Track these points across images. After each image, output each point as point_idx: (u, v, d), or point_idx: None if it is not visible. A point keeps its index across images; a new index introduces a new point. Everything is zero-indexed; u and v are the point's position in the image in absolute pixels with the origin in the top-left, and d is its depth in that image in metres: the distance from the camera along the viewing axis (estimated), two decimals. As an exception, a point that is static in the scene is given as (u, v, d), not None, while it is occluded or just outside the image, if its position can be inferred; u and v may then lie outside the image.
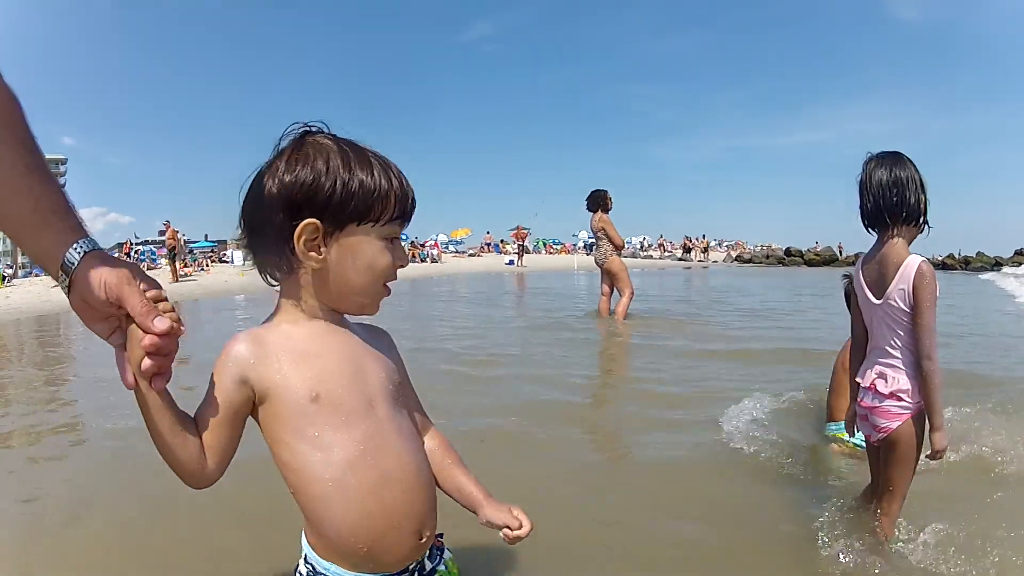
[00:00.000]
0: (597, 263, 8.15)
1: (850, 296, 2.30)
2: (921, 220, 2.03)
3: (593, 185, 8.18)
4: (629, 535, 2.25)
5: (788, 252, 43.14)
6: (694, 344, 6.35)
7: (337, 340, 1.13)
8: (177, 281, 17.43)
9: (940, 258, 41.49)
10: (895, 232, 2.02)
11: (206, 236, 41.22)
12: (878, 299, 2.04)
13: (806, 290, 14.79)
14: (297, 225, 1.05)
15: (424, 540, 1.13)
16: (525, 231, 35.19)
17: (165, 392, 1.00)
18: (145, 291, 0.96)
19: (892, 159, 2.05)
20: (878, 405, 2.04)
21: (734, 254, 44.51)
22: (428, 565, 1.19)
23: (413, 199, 1.13)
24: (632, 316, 7.92)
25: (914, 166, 2.04)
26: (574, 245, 42.15)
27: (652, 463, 3.04)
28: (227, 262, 30.44)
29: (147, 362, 0.94)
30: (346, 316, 1.18)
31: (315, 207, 1.06)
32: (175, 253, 18.97)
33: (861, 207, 2.09)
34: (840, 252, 40.28)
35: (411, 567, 1.15)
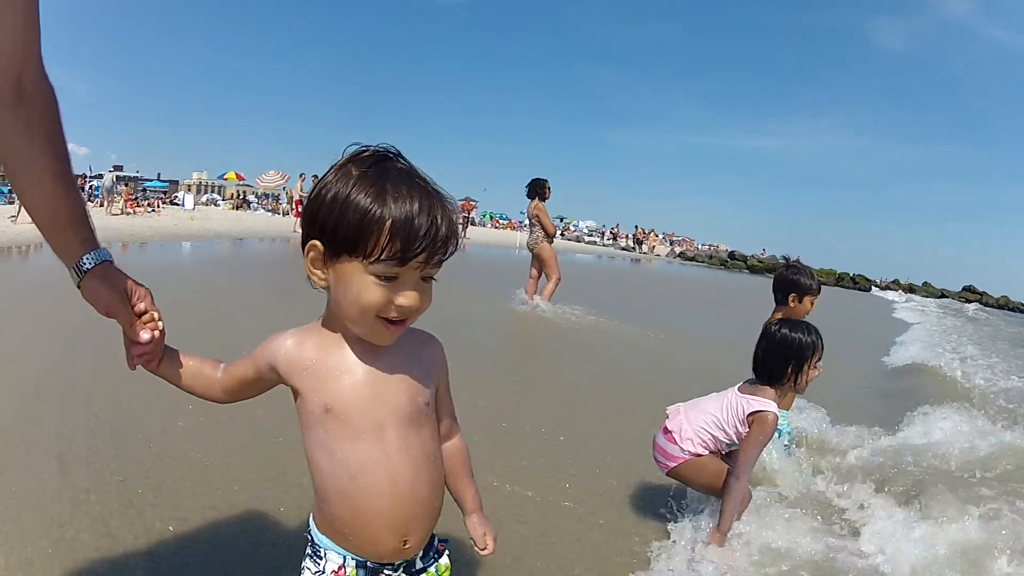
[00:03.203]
0: (528, 247, 8.77)
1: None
2: (786, 383, 2.41)
3: (549, 163, 8.87)
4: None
5: (732, 256, 44.81)
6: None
7: (364, 359, 1.15)
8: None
9: (885, 282, 45.11)
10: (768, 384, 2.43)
11: (159, 175, 40.43)
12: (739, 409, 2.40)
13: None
14: (308, 242, 1.10)
15: (408, 546, 1.19)
16: (473, 203, 35.87)
17: (163, 361, 1.25)
18: (134, 306, 1.18)
19: (787, 326, 2.44)
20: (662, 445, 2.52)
21: (678, 250, 46.16)
22: (419, 564, 1.26)
23: (431, 246, 1.03)
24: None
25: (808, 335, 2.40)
26: (520, 222, 42.95)
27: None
28: (178, 204, 29.97)
29: (137, 359, 1.22)
30: None
31: (319, 229, 1.07)
32: None
33: (756, 352, 2.47)
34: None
35: (398, 563, 1.22)
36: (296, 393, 1.18)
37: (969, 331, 14.22)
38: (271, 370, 1.19)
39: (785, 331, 2.42)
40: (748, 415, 2.36)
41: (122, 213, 20.17)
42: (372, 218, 1.01)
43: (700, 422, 2.46)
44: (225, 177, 40.79)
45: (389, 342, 1.14)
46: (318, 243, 1.07)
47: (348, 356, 1.15)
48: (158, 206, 25.61)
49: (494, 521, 1.43)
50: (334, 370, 1.14)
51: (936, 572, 2.26)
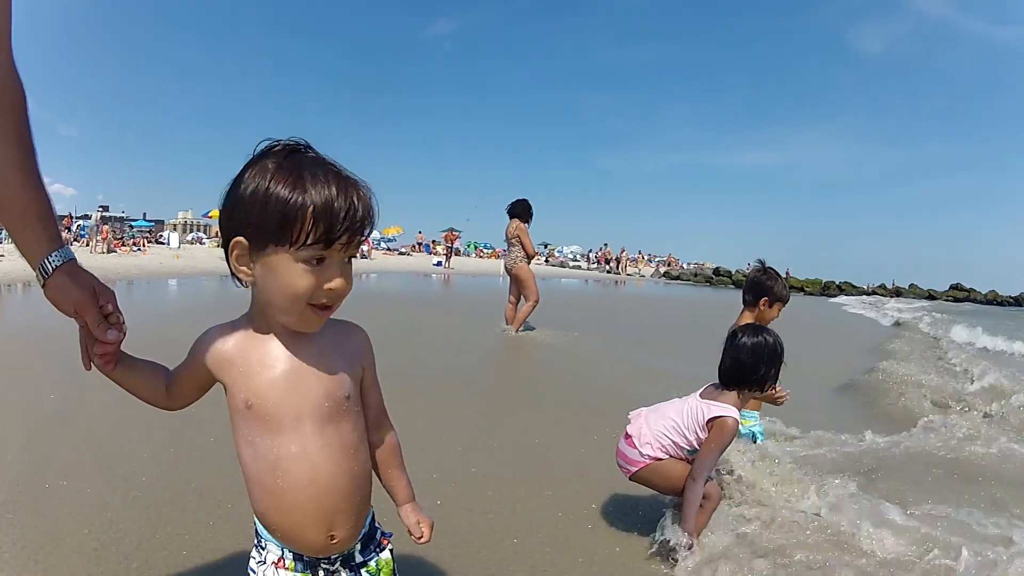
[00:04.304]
0: (506, 268, 8.43)
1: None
2: (754, 388, 2.43)
3: (534, 191, 8.44)
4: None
5: (717, 272, 44.88)
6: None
7: (285, 353, 1.16)
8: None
9: (872, 287, 44.78)
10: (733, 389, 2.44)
11: (144, 215, 40.51)
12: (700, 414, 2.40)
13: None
14: (231, 240, 1.10)
15: (336, 540, 1.19)
16: (456, 234, 36.31)
17: (118, 364, 1.21)
18: (102, 306, 1.15)
19: (757, 331, 2.45)
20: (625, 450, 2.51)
21: (663, 270, 45.94)
22: (359, 558, 1.26)
23: (352, 227, 1.07)
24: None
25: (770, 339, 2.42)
26: (504, 251, 42.74)
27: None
28: (163, 243, 30.05)
29: (99, 360, 1.18)
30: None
31: (242, 225, 1.08)
32: None
33: (723, 362, 2.45)
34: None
35: (334, 556, 1.22)
36: (224, 388, 1.20)
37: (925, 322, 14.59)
38: (203, 366, 1.20)
39: (764, 337, 2.43)
40: (708, 420, 2.36)
41: (108, 252, 20.24)
42: (295, 206, 1.04)
43: (660, 427, 2.46)
44: (210, 215, 40.79)
45: (317, 328, 1.17)
46: (242, 239, 1.09)
47: (269, 351, 1.16)
48: (143, 245, 25.71)
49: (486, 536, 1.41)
50: (255, 364, 1.16)
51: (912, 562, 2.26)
